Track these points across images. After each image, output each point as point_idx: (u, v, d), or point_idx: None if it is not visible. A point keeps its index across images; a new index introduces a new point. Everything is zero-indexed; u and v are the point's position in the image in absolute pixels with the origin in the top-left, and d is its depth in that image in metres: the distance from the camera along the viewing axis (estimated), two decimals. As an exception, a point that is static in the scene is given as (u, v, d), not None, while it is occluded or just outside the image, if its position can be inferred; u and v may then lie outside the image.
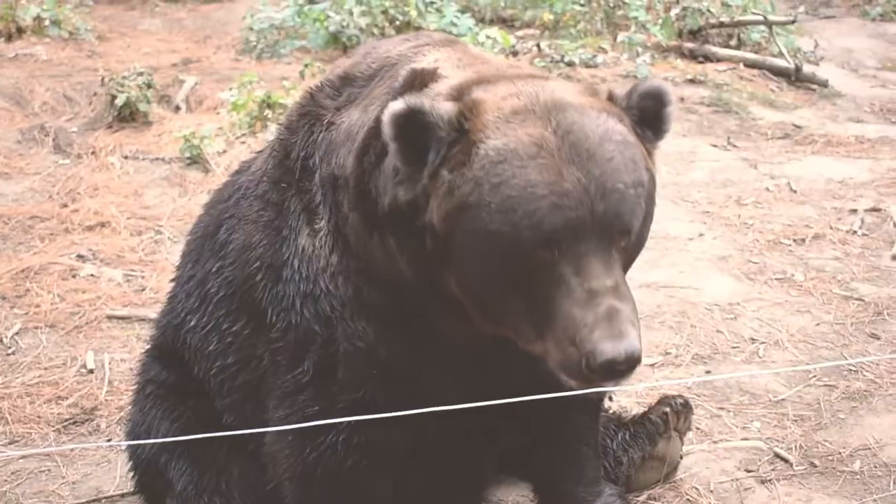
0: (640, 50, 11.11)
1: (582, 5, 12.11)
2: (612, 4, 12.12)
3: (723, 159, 8.32)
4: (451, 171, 2.63)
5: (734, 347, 5.30)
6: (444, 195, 2.62)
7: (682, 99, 9.64)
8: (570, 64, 10.49)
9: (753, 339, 5.38)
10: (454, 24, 11.41)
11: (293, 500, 3.28)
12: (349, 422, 2.91)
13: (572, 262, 2.48)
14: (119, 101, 8.57)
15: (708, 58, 11.25)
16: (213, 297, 3.45)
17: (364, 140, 2.92)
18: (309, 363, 3.07)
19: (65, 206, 7.08)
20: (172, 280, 3.83)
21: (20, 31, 11.77)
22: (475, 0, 12.85)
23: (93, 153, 8.06)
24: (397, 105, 2.65)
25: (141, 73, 8.92)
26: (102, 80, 9.01)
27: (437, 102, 2.71)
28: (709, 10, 11.81)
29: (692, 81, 10.26)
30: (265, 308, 3.17)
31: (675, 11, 11.95)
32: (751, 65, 11.09)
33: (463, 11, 12.10)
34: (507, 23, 12.95)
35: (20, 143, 8.25)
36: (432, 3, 11.81)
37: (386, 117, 2.65)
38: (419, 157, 2.67)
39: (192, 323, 3.54)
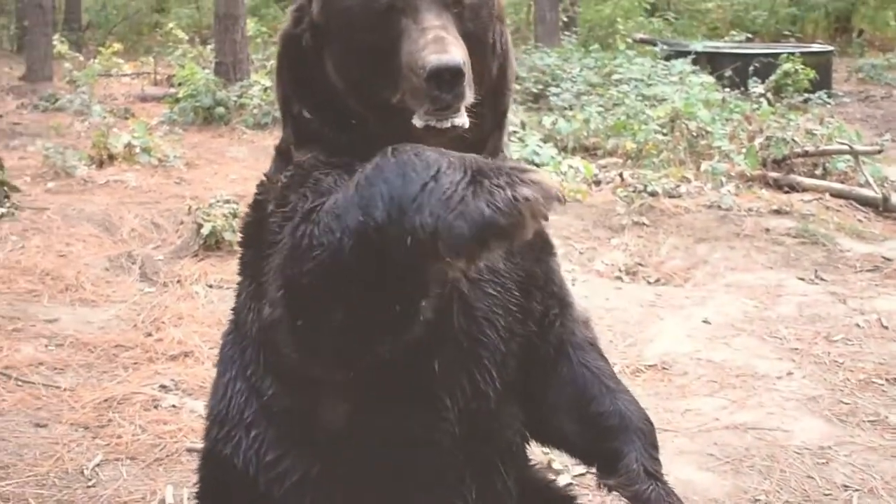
0: (723, 179, 11.04)
1: (665, 134, 12.14)
2: (694, 134, 12.14)
3: (810, 293, 8.17)
4: None
5: (826, 495, 5.12)
6: None
7: (767, 230, 9.56)
8: (654, 194, 10.43)
9: (846, 486, 5.18)
10: (536, 154, 11.51)
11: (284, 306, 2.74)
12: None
13: (410, 14, 2.89)
14: (205, 231, 8.70)
15: (793, 187, 11.18)
16: None
17: None
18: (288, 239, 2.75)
19: (149, 335, 7.13)
20: None
21: (111, 157, 12.10)
22: (557, 129, 12.95)
23: (178, 281, 8.16)
24: None
25: (227, 201, 9.07)
26: (189, 208, 9.16)
27: None
28: (793, 140, 11.79)
29: (777, 212, 10.16)
30: None
31: (759, 140, 11.93)
32: (837, 195, 10.98)
33: (545, 141, 12.21)
34: (589, 151, 13.03)
35: (108, 270, 8.38)
36: (514, 132, 11.92)
37: None
38: None
39: None
